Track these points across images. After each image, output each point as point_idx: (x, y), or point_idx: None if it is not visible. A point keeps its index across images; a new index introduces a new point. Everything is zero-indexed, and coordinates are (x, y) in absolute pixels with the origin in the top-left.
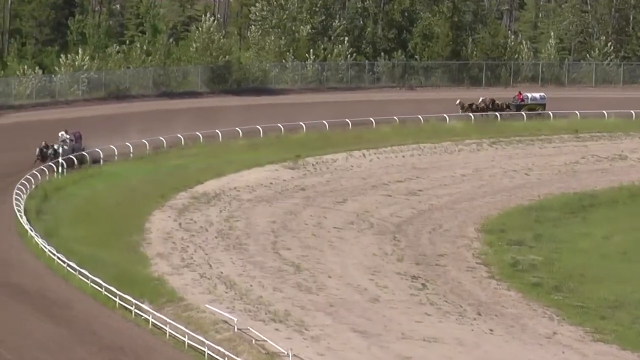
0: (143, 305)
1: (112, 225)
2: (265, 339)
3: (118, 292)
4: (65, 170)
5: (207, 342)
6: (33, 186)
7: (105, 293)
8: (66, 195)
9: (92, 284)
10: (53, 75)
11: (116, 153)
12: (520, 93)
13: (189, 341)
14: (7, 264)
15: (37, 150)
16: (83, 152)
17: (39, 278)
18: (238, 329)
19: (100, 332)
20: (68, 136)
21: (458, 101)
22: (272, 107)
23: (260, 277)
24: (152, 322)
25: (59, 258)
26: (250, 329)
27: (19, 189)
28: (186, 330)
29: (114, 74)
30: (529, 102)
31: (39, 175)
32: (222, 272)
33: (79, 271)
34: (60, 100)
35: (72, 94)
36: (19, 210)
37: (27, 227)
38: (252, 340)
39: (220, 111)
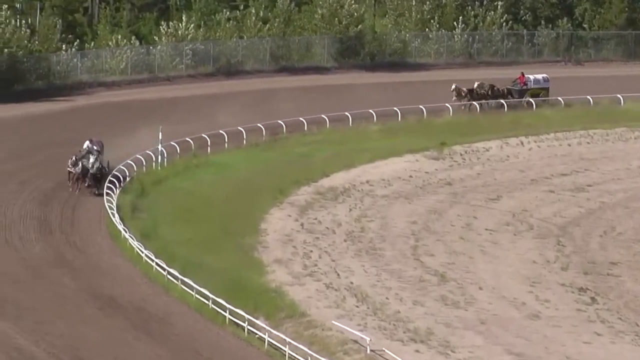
0: (257, 322)
1: (221, 225)
2: None
3: (228, 306)
4: (165, 159)
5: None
6: (127, 178)
7: (213, 306)
8: (167, 189)
9: (197, 295)
10: (151, 47)
11: (226, 139)
12: (523, 75)
13: None
14: (98, 272)
15: (72, 166)
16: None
17: (134, 288)
18: (371, 350)
19: (206, 353)
20: (95, 147)
21: (453, 86)
22: (412, 85)
23: (398, 289)
24: (268, 341)
25: (157, 264)
26: (386, 350)
27: (110, 182)
28: (309, 352)
29: (224, 46)
30: (532, 86)
31: (133, 165)
32: (352, 283)
33: (182, 280)
34: (160, 77)
35: (174, 69)
36: (110, 208)
37: (120, 227)
38: None
39: (350, 90)
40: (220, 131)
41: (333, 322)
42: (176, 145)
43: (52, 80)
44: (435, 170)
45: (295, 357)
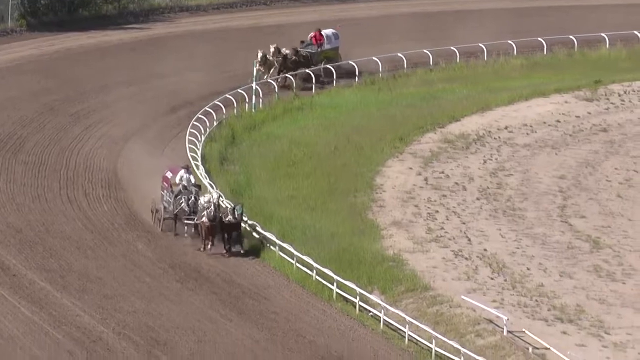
0: (371, 297)
1: (328, 181)
2: (548, 346)
3: (336, 278)
4: (261, 100)
5: (463, 350)
6: (215, 123)
7: (317, 278)
8: (263, 136)
9: (298, 264)
10: None
11: (335, 76)
12: (319, 31)
13: (437, 349)
14: (179, 237)
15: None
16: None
17: (221, 256)
18: (509, 331)
19: (310, 335)
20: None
21: (261, 54)
22: (561, 10)
23: (542, 258)
24: (384, 320)
25: (251, 227)
26: (527, 331)
27: (194, 127)
28: (433, 334)
29: None
30: (326, 46)
31: (222, 106)
32: (486, 250)
33: (280, 246)
34: (255, 0)
35: None
36: (194, 159)
37: (206, 182)
38: (528, 348)
39: (480, 15)
40: (328, 66)
41: (463, 297)
42: (274, 83)
43: (124, 4)
44: (588, 115)
45: (417, 340)
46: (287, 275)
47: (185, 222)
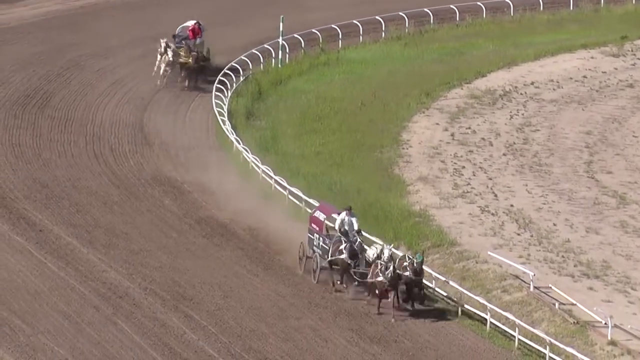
0: (398, 253)
1: (354, 136)
2: (574, 302)
3: (362, 232)
4: (287, 55)
5: (489, 305)
6: (241, 78)
7: None
8: (289, 91)
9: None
10: None
11: (361, 31)
12: (198, 23)
13: (466, 306)
14: (205, 192)
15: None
16: None
17: (248, 212)
18: (535, 287)
19: (333, 294)
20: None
21: (164, 41)
22: None
23: (569, 213)
24: None
25: (277, 182)
26: (553, 287)
27: (221, 82)
28: (460, 289)
29: None
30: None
31: (248, 61)
32: (512, 205)
33: (306, 201)
34: None
35: None
36: (220, 114)
37: (232, 137)
38: (554, 304)
39: None
40: (355, 21)
41: (489, 253)
42: (300, 39)
43: None
44: (614, 70)
45: (443, 295)
46: None
47: (354, 278)
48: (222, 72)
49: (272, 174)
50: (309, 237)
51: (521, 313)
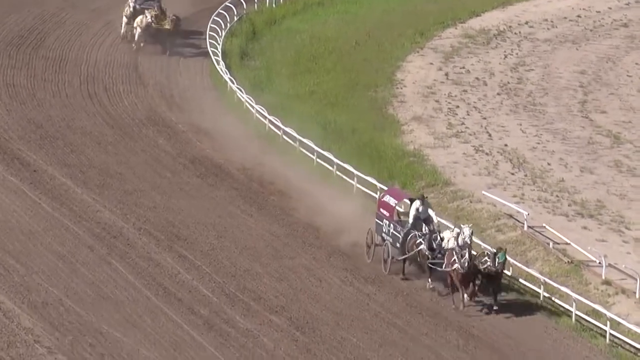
0: None
1: (349, 75)
2: (568, 240)
3: (356, 173)
4: None
5: (483, 245)
6: (235, 18)
7: (338, 173)
8: (283, 31)
9: (318, 159)
10: None
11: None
12: None
13: None
14: (199, 131)
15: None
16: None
17: (242, 151)
18: (529, 226)
19: (329, 230)
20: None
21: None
22: None
23: (563, 152)
24: None
25: (271, 122)
26: (547, 226)
27: (215, 21)
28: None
29: None
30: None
31: (243, 2)
32: (506, 145)
33: (300, 141)
34: None
35: None
36: (214, 54)
37: (226, 77)
38: (549, 243)
39: None
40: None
41: (483, 192)
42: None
43: None
44: (608, 9)
45: None
46: (307, 169)
47: (429, 266)
48: (216, 12)
49: (266, 114)
50: (377, 222)
51: (515, 252)
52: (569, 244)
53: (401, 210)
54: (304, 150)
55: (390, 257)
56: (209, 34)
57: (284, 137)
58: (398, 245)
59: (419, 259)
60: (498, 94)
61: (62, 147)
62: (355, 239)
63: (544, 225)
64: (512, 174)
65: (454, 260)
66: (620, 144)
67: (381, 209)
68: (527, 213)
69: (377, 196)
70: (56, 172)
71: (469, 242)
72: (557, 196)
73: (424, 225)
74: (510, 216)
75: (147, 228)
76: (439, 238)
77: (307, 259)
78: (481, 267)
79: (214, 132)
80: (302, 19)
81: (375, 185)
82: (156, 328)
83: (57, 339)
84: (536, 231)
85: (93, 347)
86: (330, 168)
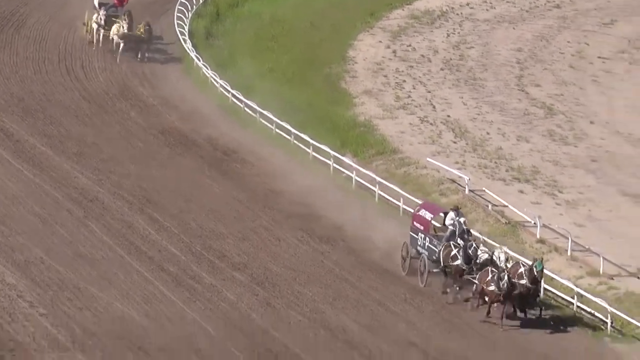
0: (344, 159)
1: (305, 54)
2: (506, 203)
3: (312, 142)
4: None
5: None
6: (201, 1)
7: (295, 142)
8: (245, 13)
9: (277, 130)
10: None
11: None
12: None
13: (404, 206)
14: (168, 105)
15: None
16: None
17: (208, 123)
18: (470, 190)
19: (289, 194)
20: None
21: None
22: None
23: (501, 123)
24: (356, 180)
25: (234, 96)
26: (486, 190)
27: (182, 4)
28: (401, 192)
29: None
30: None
31: None
32: (449, 116)
33: (260, 113)
34: None
35: None
36: (182, 34)
37: (192, 55)
38: (488, 205)
39: None
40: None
41: (428, 159)
42: None
43: None
44: None
45: (386, 198)
46: (267, 140)
47: (469, 282)
48: None
49: (229, 89)
50: (411, 236)
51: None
52: (507, 206)
53: (438, 225)
54: (264, 122)
55: (426, 271)
56: (177, 15)
57: (246, 109)
58: (434, 258)
59: (451, 271)
60: (441, 69)
61: (43, 119)
62: (310, 201)
63: (483, 189)
64: (454, 142)
65: (489, 281)
66: (553, 114)
67: (415, 222)
68: (468, 178)
69: (330, 162)
70: (37, 142)
71: (504, 267)
72: (495, 163)
73: (460, 238)
74: (453, 181)
75: (120, 193)
76: (474, 246)
77: (267, 221)
78: (517, 281)
79: (182, 106)
80: (262, 2)
81: (330, 153)
82: (129, 284)
83: (38, 294)
84: (476, 195)
85: (71, 302)
86: (288, 137)
